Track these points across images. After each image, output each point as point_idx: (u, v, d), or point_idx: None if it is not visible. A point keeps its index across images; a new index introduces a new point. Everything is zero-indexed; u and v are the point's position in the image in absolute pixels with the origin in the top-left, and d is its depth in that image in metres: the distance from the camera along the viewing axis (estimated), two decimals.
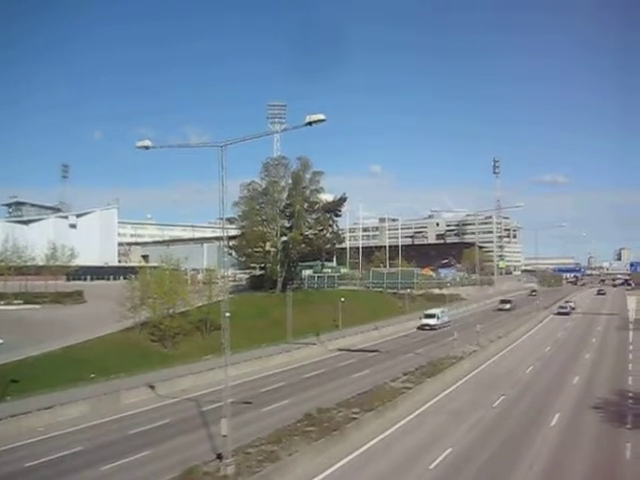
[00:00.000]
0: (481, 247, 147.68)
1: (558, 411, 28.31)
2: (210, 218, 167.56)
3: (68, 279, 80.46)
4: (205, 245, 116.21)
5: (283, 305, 57.42)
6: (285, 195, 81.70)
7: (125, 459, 22.71)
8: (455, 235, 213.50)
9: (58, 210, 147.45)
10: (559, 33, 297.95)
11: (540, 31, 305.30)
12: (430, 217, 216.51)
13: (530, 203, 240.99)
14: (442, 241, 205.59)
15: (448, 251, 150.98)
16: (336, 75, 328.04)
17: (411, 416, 27.79)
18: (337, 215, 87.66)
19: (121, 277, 77.84)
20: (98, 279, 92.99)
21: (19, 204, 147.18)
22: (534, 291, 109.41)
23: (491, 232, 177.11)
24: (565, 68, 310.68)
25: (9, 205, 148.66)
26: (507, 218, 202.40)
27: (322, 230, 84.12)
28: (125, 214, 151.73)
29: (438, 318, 64.36)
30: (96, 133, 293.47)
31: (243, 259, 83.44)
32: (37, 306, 60.20)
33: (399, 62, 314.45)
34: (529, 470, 20.36)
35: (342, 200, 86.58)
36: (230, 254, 76.54)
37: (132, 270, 69.15)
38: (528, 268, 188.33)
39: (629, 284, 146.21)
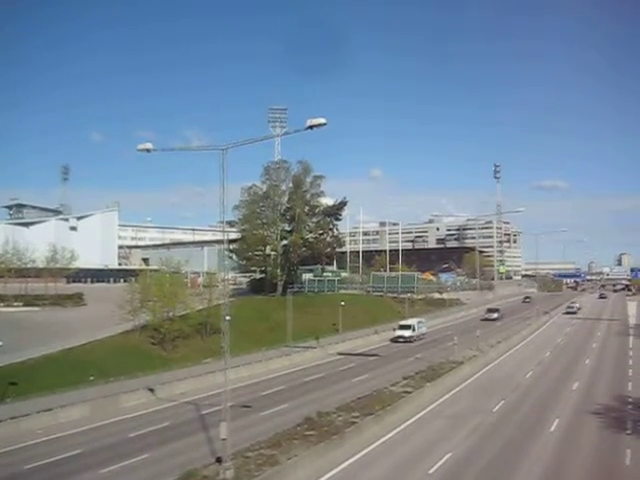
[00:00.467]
0: (481, 252, 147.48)
1: (558, 417, 28.23)
2: (211, 221, 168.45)
3: (68, 281, 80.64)
4: (205, 248, 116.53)
5: (283, 309, 57.48)
6: (286, 199, 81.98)
7: (124, 462, 22.70)
8: (455, 240, 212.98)
9: (59, 212, 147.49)
10: (561, 38, 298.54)
11: (542, 36, 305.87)
12: (430, 221, 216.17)
13: (531, 208, 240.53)
14: (442, 246, 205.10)
15: (448, 256, 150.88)
16: (337, 79, 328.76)
17: (411, 420, 27.75)
18: (337, 219, 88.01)
19: (121, 280, 77.99)
20: (98, 282, 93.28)
21: (20, 206, 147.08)
22: (527, 297, 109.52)
23: (491, 237, 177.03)
24: (566, 73, 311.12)
25: (10, 207, 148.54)
26: (507, 223, 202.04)
27: (322, 234, 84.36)
28: (126, 217, 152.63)
29: (414, 330, 58.33)
30: (97, 135, 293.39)
31: (243, 262, 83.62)
32: (37, 308, 60.39)
33: (400, 66, 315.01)
34: (528, 476, 20.30)
35: (342, 204, 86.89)
36: (230, 257, 76.65)
37: (132, 273, 69.29)
38: (528, 273, 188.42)
39: (629, 289, 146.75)
